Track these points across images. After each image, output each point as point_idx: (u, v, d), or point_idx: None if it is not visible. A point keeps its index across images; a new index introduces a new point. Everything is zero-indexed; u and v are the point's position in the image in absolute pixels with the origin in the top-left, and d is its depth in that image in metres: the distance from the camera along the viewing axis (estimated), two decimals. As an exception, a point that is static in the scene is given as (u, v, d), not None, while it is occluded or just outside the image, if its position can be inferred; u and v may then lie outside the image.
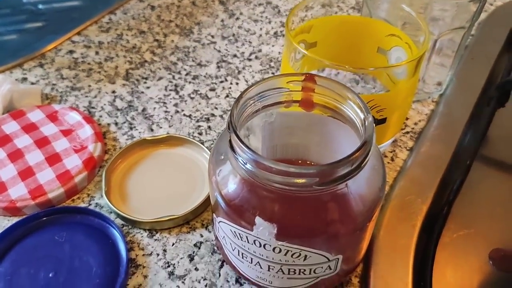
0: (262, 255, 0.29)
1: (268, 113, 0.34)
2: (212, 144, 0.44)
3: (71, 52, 0.54)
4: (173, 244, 0.37)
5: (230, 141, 0.28)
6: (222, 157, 0.31)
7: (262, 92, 0.31)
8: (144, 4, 0.61)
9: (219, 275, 0.35)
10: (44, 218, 0.37)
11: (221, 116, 0.46)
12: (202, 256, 0.36)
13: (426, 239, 0.37)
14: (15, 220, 0.38)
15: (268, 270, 0.30)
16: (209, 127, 0.45)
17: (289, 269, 0.30)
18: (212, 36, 0.56)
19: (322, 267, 0.30)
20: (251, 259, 0.30)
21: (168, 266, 0.35)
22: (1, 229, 0.37)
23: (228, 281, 0.34)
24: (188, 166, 0.42)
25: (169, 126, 0.45)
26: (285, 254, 0.28)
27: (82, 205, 0.39)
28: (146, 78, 0.50)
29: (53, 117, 0.44)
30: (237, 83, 0.50)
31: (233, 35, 0.56)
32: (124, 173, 0.41)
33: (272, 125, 0.36)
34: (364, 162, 0.27)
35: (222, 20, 0.58)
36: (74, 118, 0.44)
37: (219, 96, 0.49)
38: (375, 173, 0.30)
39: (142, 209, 0.38)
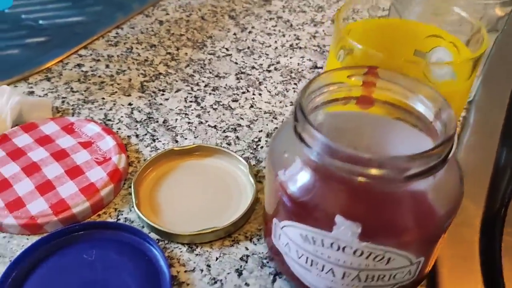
0: (339, 260, 0.26)
1: (314, 114, 0.32)
2: (243, 154, 0.41)
3: (79, 65, 0.50)
4: (217, 259, 0.33)
5: (299, 134, 0.26)
6: (286, 155, 0.28)
7: (322, 86, 0.29)
8: (151, 19, 0.59)
9: (273, 291, 0.31)
10: (70, 235, 0.33)
11: (248, 126, 0.44)
12: (251, 270, 0.32)
13: (488, 245, 0.34)
14: (34, 239, 0.34)
15: (342, 278, 0.27)
16: (237, 137, 0.43)
17: (367, 276, 0.27)
18: (227, 49, 0.54)
19: (403, 272, 0.27)
20: (323, 266, 0.27)
21: (215, 283, 0.32)
22: (20, 248, 0.33)
23: (283, 297, 0.31)
24: (221, 176, 0.39)
25: (195, 137, 0.42)
26: (367, 257, 0.26)
27: (110, 220, 0.35)
28: (163, 90, 0.48)
29: (69, 129, 0.41)
30: (260, 94, 0.48)
31: (248, 47, 0.54)
32: (153, 185, 0.38)
33: (320, 127, 0.33)
34: (450, 155, 0.25)
35: (235, 34, 0.57)
36: (93, 129, 0.41)
37: (243, 106, 0.46)
38: (453, 168, 0.28)
39: (176, 222, 0.35)
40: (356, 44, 0.34)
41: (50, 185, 0.36)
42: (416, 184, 0.25)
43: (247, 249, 0.34)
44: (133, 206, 0.36)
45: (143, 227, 0.35)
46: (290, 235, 0.27)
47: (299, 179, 0.26)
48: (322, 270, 0.27)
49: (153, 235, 0.34)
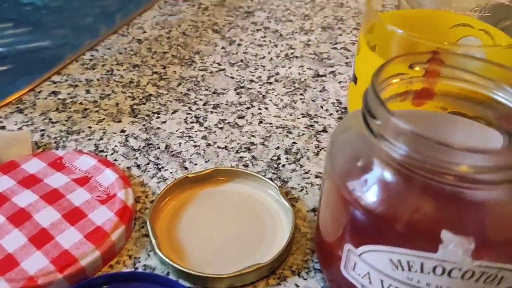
0: (441, 287, 0.21)
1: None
2: (265, 175, 0.36)
3: (54, 93, 0.44)
4: (266, 302, 0.27)
5: (379, 133, 0.21)
6: (360, 163, 0.23)
7: (386, 79, 0.25)
8: (128, 38, 0.53)
9: (341, 333, 0.26)
10: (82, 295, 0.27)
11: (262, 144, 0.39)
12: (309, 312, 0.27)
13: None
14: (35, 305, 0.27)
15: (442, 309, 0.22)
16: (253, 157, 0.37)
17: (472, 302, 0.22)
18: (218, 64, 0.49)
19: (510, 293, 0.22)
20: (418, 296, 0.22)
21: (271, 332, 0.26)
22: (17, 320, 0.26)
23: None
24: (247, 202, 0.33)
25: (206, 161, 0.37)
26: (477, 280, 0.21)
27: (126, 270, 0.29)
28: (158, 113, 0.42)
29: (57, 165, 0.34)
30: (266, 108, 0.43)
31: (241, 60, 0.50)
32: (169, 221, 0.32)
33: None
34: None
35: (223, 48, 0.52)
36: (87, 162, 0.34)
37: (251, 123, 0.41)
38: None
39: (207, 264, 0.29)
40: (396, 30, 0.30)
41: (46, 234, 0.29)
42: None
43: (297, 286, 0.28)
44: (151, 250, 0.30)
45: (168, 273, 0.29)
46: (372, 263, 0.22)
47: (383, 191, 0.22)
48: (417, 301, 0.22)
49: (183, 283, 0.28)
